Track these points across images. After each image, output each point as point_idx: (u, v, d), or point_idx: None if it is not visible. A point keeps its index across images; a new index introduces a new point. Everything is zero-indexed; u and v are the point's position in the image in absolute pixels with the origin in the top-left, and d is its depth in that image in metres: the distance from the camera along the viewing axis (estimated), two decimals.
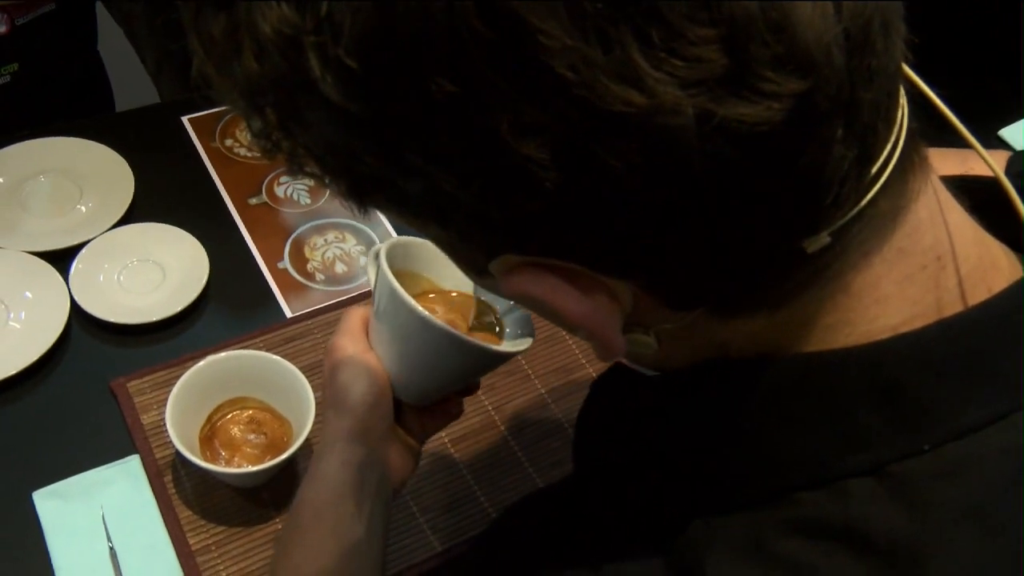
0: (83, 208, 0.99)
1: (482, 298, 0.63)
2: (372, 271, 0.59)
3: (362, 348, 0.60)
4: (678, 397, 0.36)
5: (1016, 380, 0.32)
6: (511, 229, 0.29)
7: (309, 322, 0.92)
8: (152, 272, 0.94)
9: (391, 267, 0.57)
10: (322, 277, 0.98)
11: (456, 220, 0.30)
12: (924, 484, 0.31)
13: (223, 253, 0.97)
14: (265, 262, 0.98)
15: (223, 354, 0.80)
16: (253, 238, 1.01)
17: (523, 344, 0.60)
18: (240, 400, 0.81)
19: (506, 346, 0.60)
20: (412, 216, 0.31)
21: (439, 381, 0.61)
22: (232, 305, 0.94)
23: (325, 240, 1.02)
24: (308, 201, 1.05)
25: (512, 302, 0.61)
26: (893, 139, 0.30)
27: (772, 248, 0.30)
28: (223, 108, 1.11)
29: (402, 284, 0.56)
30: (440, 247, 0.35)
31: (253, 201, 1.04)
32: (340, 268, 0.99)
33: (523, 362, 0.93)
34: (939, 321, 0.32)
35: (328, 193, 1.06)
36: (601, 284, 0.31)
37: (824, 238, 0.30)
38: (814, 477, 0.32)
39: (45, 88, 1.13)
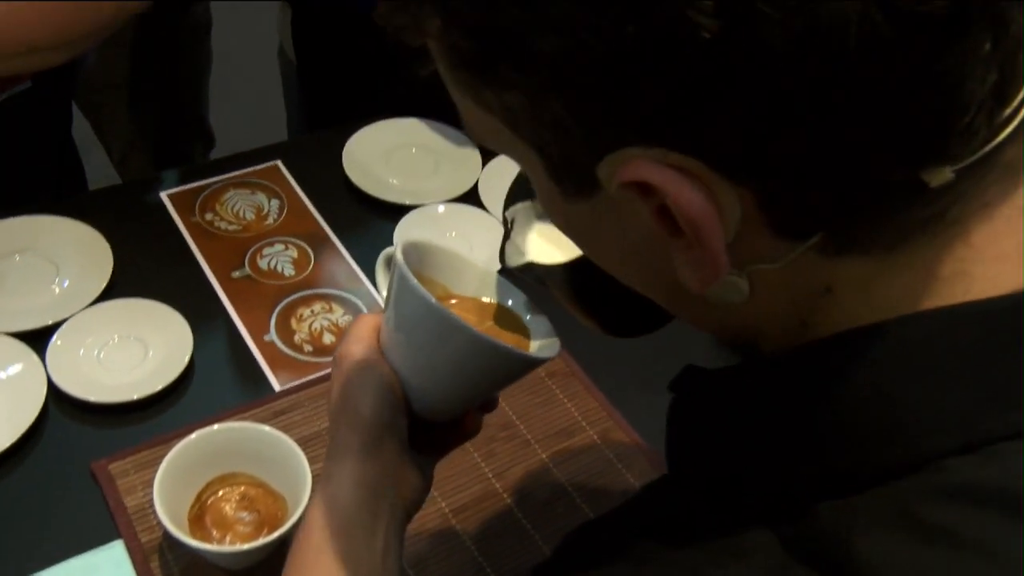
0: (59, 287, 0.96)
1: (503, 303, 0.59)
2: (383, 276, 0.55)
3: (375, 357, 0.54)
4: (781, 375, 0.33)
5: None
6: (647, 102, 0.27)
7: (299, 395, 0.89)
8: (134, 349, 0.91)
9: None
10: (310, 349, 0.95)
11: (587, 92, 0.28)
12: None
13: (207, 328, 0.94)
14: (251, 335, 0.96)
15: (213, 427, 0.77)
16: (237, 311, 0.98)
17: (552, 349, 0.55)
18: (231, 476, 0.77)
19: (536, 350, 0.55)
20: (533, 92, 0.29)
21: (463, 392, 0.56)
22: (218, 381, 0.91)
23: (312, 311, 0.99)
24: (292, 272, 1.03)
25: (529, 307, 0.57)
26: (1017, 102, 0.29)
27: (895, 167, 0.28)
28: (202, 183, 1.11)
29: None
30: (534, 156, 0.32)
31: (236, 274, 1.02)
32: (328, 339, 0.96)
33: (522, 427, 0.90)
34: None
35: (312, 264, 1.04)
36: (713, 195, 0.29)
37: (948, 173, 0.28)
38: (960, 442, 0.30)
39: (19, 167, 1.11)
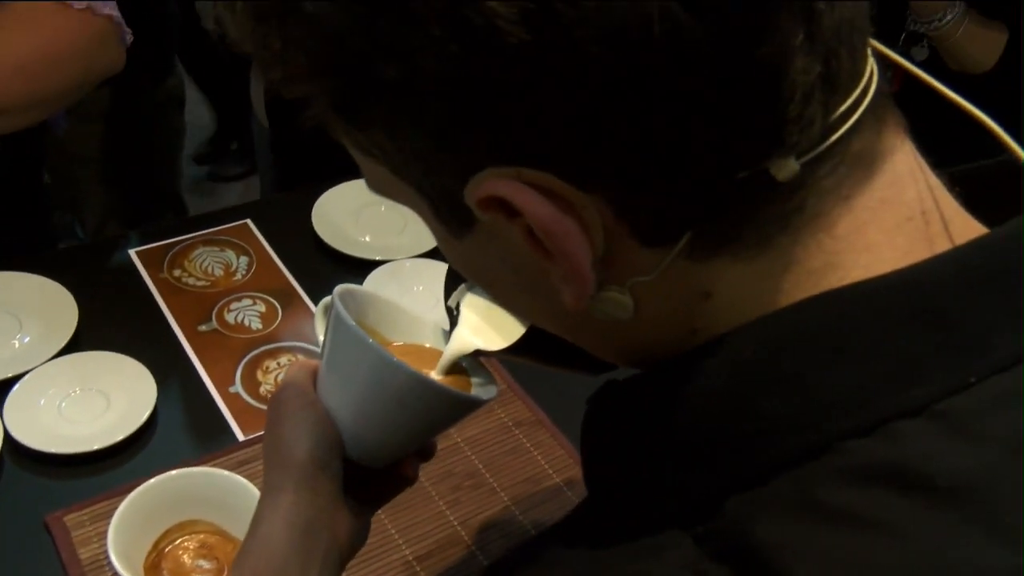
0: (20, 341, 0.96)
1: (442, 348, 0.59)
2: (321, 322, 0.55)
3: (309, 400, 0.53)
4: (678, 377, 0.33)
5: None
6: (486, 119, 0.28)
7: (261, 445, 0.88)
8: (95, 401, 0.90)
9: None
10: None
11: (435, 116, 0.29)
12: (975, 417, 0.29)
13: (171, 380, 0.94)
14: (216, 387, 0.95)
15: (172, 473, 0.75)
16: (203, 364, 0.97)
17: (491, 391, 0.55)
18: (190, 524, 0.76)
19: (477, 392, 0.55)
20: (392, 125, 0.30)
21: (399, 434, 0.55)
22: (181, 432, 0.90)
23: (278, 363, 0.99)
24: (260, 326, 1.03)
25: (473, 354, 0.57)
26: (863, 85, 0.30)
27: (738, 163, 0.29)
28: (172, 240, 1.11)
29: None
30: (417, 197, 0.33)
31: (203, 328, 1.02)
32: None
33: (488, 475, 0.89)
34: (971, 242, 0.31)
35: (280, 318, 1.04)
36: (572, 208, 0.30)
37: (793, 164, 0.29)
38: (858, 422, 0.29)
39: None
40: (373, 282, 1.06)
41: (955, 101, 0.34)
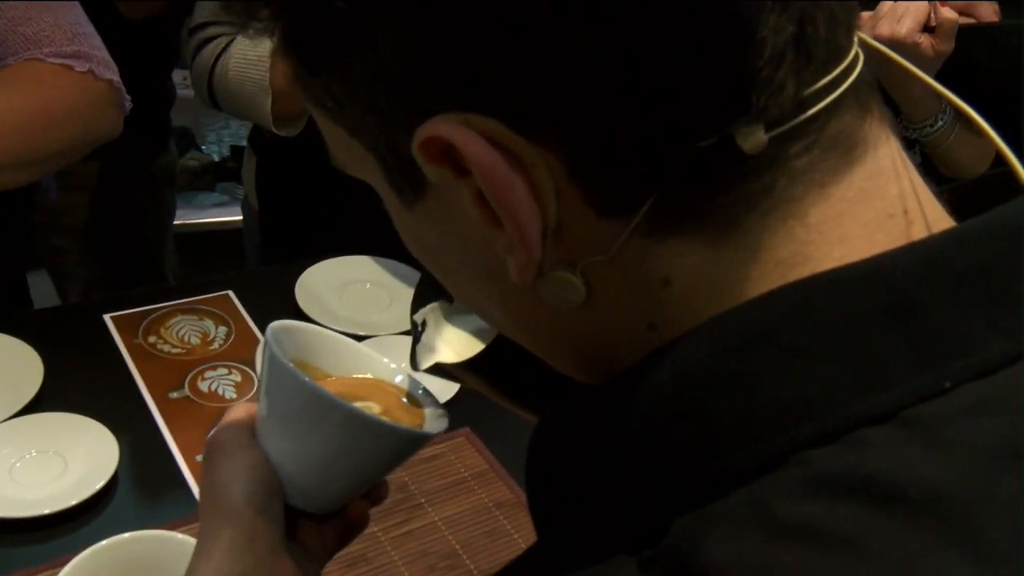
0: None
1: (389, 380, 0.55)
2: (260, 362, 0.51)
3: (245, 443, 0.50)
4: (627, 388, 0.30)
5: None
6: (423, 59, 0.27)
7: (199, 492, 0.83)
8: (52, 463, 0.85)
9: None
10: None
11: (383, 56, 0.27)
12: (950, 425, 0.26)
13: (136, 445, 0.89)
14: (183, 455, 0.90)
15: (123, 536, 0.70)
16: (171, 431, 0.93)
17: (440, 424, 0.51)
18: None
19: (428, 424, 0.51)
20: (346, 69, 0.28)
21: (342, 476, 0.51)
22: (142, 498, 0.85)
23: None
24: (234, 396, 0.99)
25: (419, 383, 0.54)
26: (845, 65, 0.29)
27: (701, 124, 0.27)
28: (149, 307, 1.08)
29: None
30: (373, 162, 0.31)
31: (174, 395, 0.98)
32: None
33: (466, 558, 0.84)
34: (946, 231, 0.29)
35: (256, 389, 1.00)
36: (521, 165, 0.27)
37: (760, 134, 0.27)
38: (820, 429, 0.26)
39: None
40: None
41: (943, 94, 0.32)
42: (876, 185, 0.29)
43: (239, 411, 0.53)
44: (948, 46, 1.02)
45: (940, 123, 1.21)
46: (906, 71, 0.34)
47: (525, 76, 0.26)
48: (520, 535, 0.86)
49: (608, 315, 0.31)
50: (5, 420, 0.88)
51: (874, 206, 0.29)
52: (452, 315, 0.54)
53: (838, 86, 0.28)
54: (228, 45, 1.19)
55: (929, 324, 0.27)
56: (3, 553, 0.77)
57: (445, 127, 0.27)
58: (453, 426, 0.98)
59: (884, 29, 1.02)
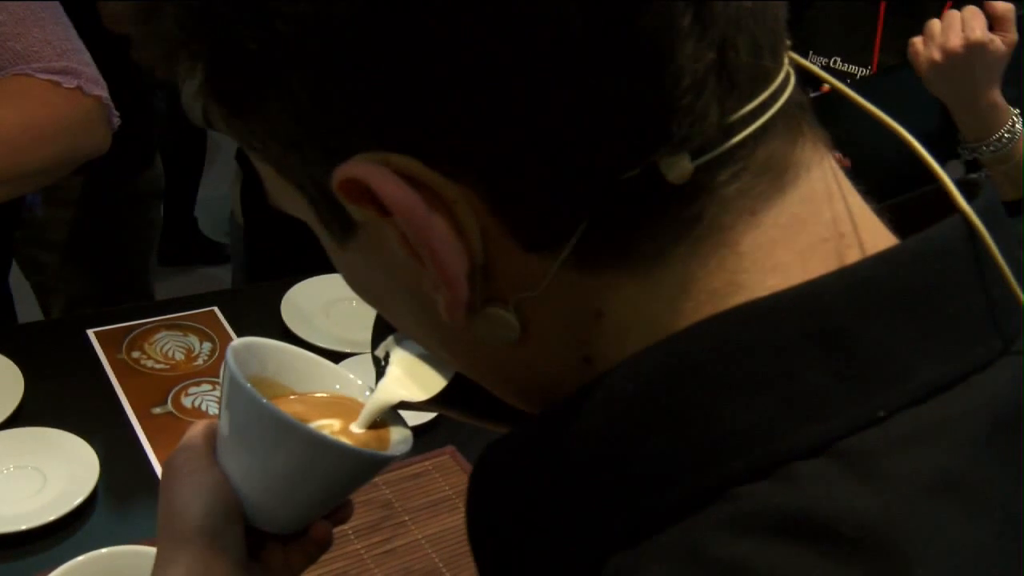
0: None
1: (357, 398, 0.54)
2: (222, 380, 0.51)
3: (204, 463, 0.49)
4: (556, 425, 0.30)
5: (967, 332, 0.27)
6: (336, 96, 0.26)
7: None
8: (30, 479, 0.84)
9: (242, 373, 0.48)
10: None
11: (298, 93, 0.27)
12: (885, 456, 0.25)
13: (117, 461, 0.88)
14: None
15: (100, 551, 0.69)
16: (153, 447, 0.92)
17: (404, 445, 0.50)
18: None
19: (394, 445, 0.50)
20: (263, 106, 0.28)
21: (304, 500, 0.50)
22: (123, 514, 0.84)
23: None
24: (217, 411, 0.98)
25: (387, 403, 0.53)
26: (772, 89, 0.28)
27: (623, 154, 0.26)
28: (133, 323, 1.07)
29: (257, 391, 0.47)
30: (302, 201, 0.31)
31: (157, 411, 0.97)
32: None
33: (448, 575, 0.83)
34: (876, 255, 0.28)
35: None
36: (442, 202, 0.27)
37: (686, 163, 0.26)
38: (752, 464, 0.26)
39: None
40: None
41: (883, 120, 0.30)
42: (809, 210, 0.29)
43: (198, 430, 0.52)
44: (1014, 35, 1.01)
45: (1008, 136, 1.11)
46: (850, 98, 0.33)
47: (439, 114, 0.26)
48: None
49: (543, 349, 0.31)
50: None
51: (808, 231, 0.29)
52: (412, 344, 0.53)
53: (765, 111, 0.28)
54: None
55: (859, 351, 0.26)
56: None
57: (361, 168, 0.27)
58: (437, 444, 0.98)
59: (955, 41, 1.00)
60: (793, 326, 0.27)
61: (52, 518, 0.79)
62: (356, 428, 0.51)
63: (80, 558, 0.68)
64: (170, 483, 0.49)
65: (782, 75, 0.29)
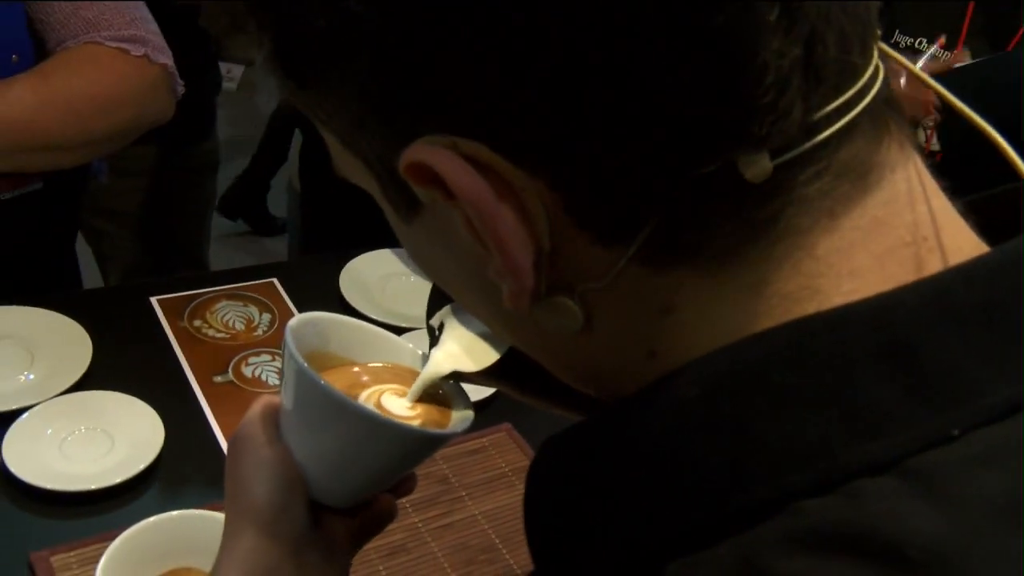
0: (30, 375, 0.92)
1: (415, 367, 0.53)
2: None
3: (267, 438, 0.49)
4: (617, 425, 0.29)
5: None
6: (414, 80, 0.26)
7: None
8: (99, 441, 0.86)
9: (301, 349, 0.48)
10: None
11: (368, 73, 0.26)
12: (954, 477, 0.24)
13: (180, 427, 0.90)
14: (225, 438, 0.90)
15: (167, 515, 0.70)
16: (215, 414, 0.93)
17: (464, 423, 0.49)
18: (184, 571, 0.70)
19: (454, 422, 0.49)
20: (330, 84, 0.28)
21: (364, 476, 0.50)
22: (184, 479, 0.85)
23: None
24: (276, 382, 0.99)
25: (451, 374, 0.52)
26: (859, 86, 0.27)
27: (702, 151, 0.25)
28: (194, 292, 1.09)
29: (317, 367, 0.47)
30: (368, 174, 0.30)
31: (218, 379, 0.98)
32: None
33: (505, 551, 0.83)
34: (952, 268, 0.27)
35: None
36: (511, 190, 0.26)
37: (765, 163, 0.25)
38: (817, 479, 0.25)
39: (18, 262, 1.09)
40: None
41: (966, 114, 0.29)
42: (891, 212, 0.28)
43: (261, 405, 0.52)
44: None
45: None
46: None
47: (512, 101, 0.25)
48: None
49: (607, 340, 0.30)
50: (56, 396, 0.89)
51: (888, 235, 0.28)
52: (468, 317, 0.53)
53: (851, 109, 0.27)
54: None
55: (930, 367, 0.26)
56: (51, 525, 0.78)
57: (428, 152, 0.26)
58: (494, 421, 0.98)
59: None
60: (862, 339, 0.26)
61: (119, 480, 0.81)
62: (407, 401, 0.51)
63: (150, 520, 0.69)
64: (235, 458, 0.50)
65: (871, 70, 0.27)
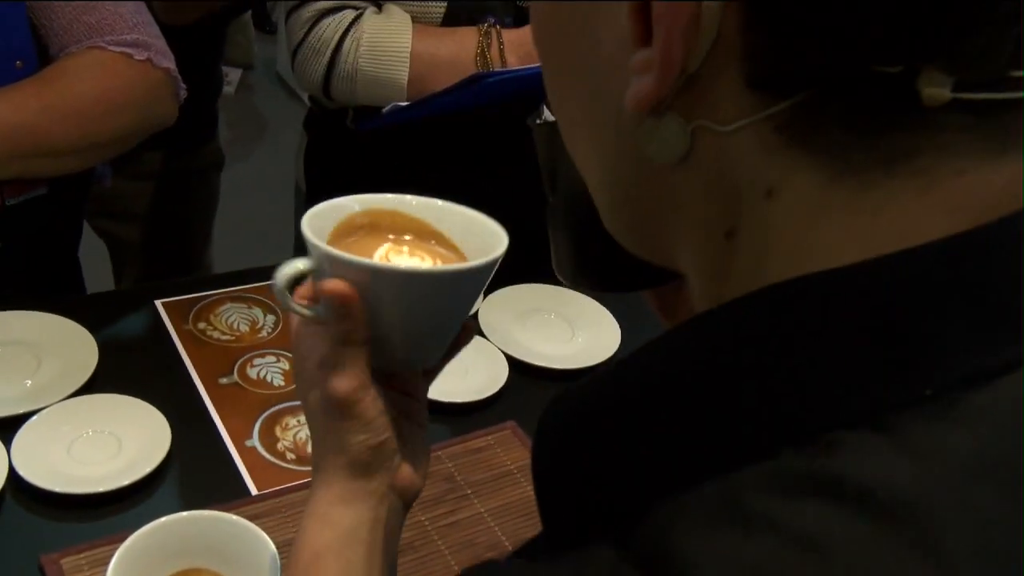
0: (37, 379, 0.93)
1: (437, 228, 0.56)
2: (285, 295, 0.51)
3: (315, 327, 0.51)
4: (623, 375, 0.31)
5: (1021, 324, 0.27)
6: None
7: (277, 500, 0.84)
8: (107, 443, 0.86)
9: (320, 235, 0.51)
10: (293, 457, 0.90)
11: None
12: (929, 432, 0.26)
13: (187, 429, 0.90)
14: (232, 439, 0.91)
15: (177, 515, 0.71)
16: (221, 416, 0.94)
17: (498, 248, 0.51)
18: (194, 572, 0.71)
19: (480, 258, 0.51)
20: None
21: (427, 333, 0.52)
22: (192, 481, 0.86)
23: (298, 421, 0.95)
24: (281, 383, 1.00)
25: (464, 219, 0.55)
26: None
27: (896, 43, 0.25)
28: (198, 295, 1.09)
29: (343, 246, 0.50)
30: None
31: (224, 380, 0.99)
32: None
33: (511, 548, 0.83)
34: (944, 239, 0.27)
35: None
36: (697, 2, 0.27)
37: (946, 90, 0.25)
38: (799, 430, 0.27)
39: (23, 266, 1.10)
40: None
41: None
42: (1004, 194, 0.28)
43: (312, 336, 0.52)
44: None
45: None
46: None
47: None
48: None
49: (692, 195, 0.31)
50: (63, 399, 0.89)
51: (991, 214, 0.28)
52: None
53: None
54: (356, 20, 1.08)
55: (912, 331, 0.27)
56: (61, 528, 0.78)
57: None
58: (499, 419, 0.98)
59: None
60: (850, 302, 0.27)
61: (127, 482, 0.82)
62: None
63: (161, 520, 0.70)
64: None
65: None
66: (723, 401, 0.28)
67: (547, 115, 0.50)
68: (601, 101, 0.32)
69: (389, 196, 0.56)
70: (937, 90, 0.26)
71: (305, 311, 0.52)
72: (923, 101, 0.26)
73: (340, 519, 0.50)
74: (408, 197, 0.56)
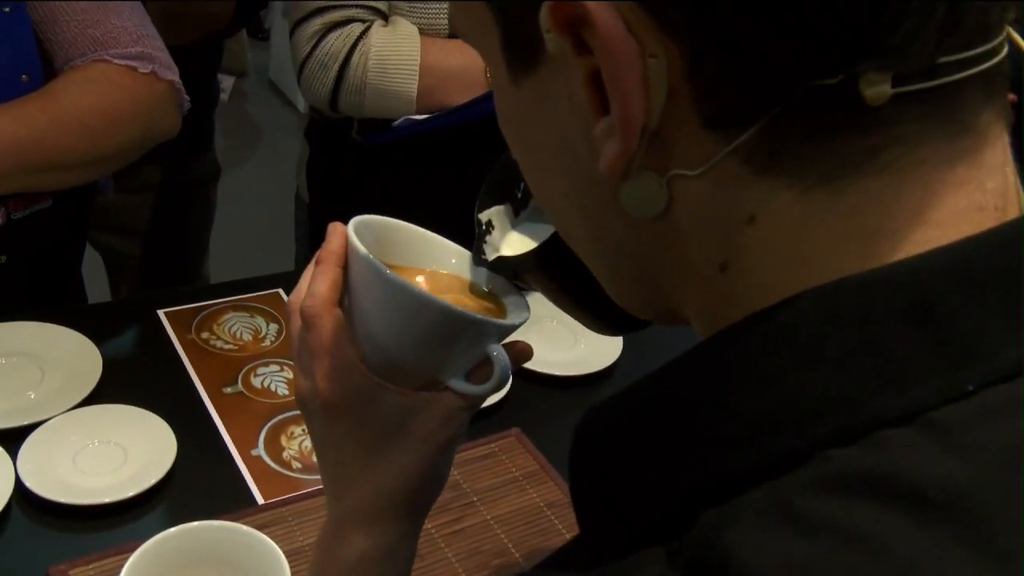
0: (41, 390, 0.93)
1: (472, 279, 0.56)
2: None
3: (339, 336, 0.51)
4: (664, 382, 0.31)
5: None
6: None
7: (283, 509, 0.84)
8: (112, 454, 0.87)
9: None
10: (299, 466, 0.90)
11: None
12: (971, 428, 0.26)
13: (192, 439, 0.90)
14: (237, 449, 0.91)
15: (186, 526, 0.71)
16: (226, 425, 0.94)
17: (523, 315, 0.53)
18: None
19: (511, 318, 0.53)
20: None
21: (427, 361, 0.53)
22: (198, 491, 0.86)
23: (304, 430, 0.95)
24: (286, 392, 1.00)
25: (509, 288, 0.55)
26: (987, 48, 0.28)
27: (827, 58, 0.26)
28: (201, 304, 1.10)
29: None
30: (492, 25, 0.31)
31: (228, 390, 0.99)
32: None
33: (517, 555, 0.84)
34: (977, 235, 0.28)
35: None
36: (643, 51, 0.27)
37: (886, 87, 0.26)
38: (843, 430, 0.27)
39: (26, 279, 1.10)
40: None
41: None
42: (977, 175, 0.29)
43: (327, 317, 0.51)
44: None
45: None
46: None
47: None
48: (572, 534, 0.86)
49: (681, 236, 0.31)
50: (68, 410, 0.89)
51: (970, 196, 0.29)
52: (517, 223, 0.57)
53: (974, 65, 0.28)
54: (363, 33, 1.08)
55: (950, 327, 0.27)
56: (67, 539, 0.79)
57: None
58: (503, 426, 0.99)
59: None
60: (887, 299, 0.28)
61: (133, 492, 0.82)
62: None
63: (171, 531, 0.70)
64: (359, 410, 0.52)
65: (999, 38, 0.29)
66: (768, 404, 0.28)
67: (492, 212, 0.53)
68: (573, 175, 0.33)
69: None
70: (877, 89, 0.27)
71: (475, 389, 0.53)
72: (868, 102, 0.27)
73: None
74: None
